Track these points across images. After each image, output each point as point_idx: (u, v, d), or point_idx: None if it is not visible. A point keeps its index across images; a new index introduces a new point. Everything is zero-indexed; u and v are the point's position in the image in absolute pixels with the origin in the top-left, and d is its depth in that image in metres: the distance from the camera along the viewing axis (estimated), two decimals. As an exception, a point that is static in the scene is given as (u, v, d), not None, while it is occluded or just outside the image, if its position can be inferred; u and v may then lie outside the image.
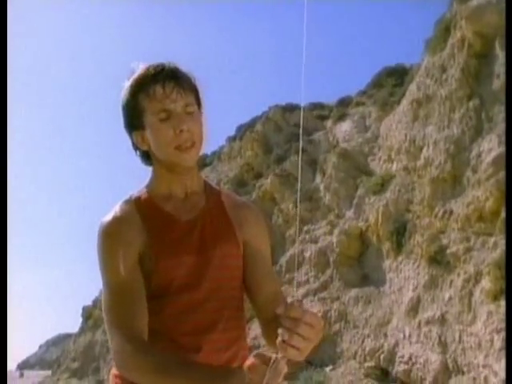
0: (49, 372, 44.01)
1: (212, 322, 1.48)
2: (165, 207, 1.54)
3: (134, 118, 1.51)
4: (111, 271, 1.46)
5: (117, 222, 1.50)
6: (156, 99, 1.46)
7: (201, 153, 1.58)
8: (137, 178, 1.65)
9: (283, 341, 1.08)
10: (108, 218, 1.52)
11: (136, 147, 1.58)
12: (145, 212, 1.53)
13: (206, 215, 1.56)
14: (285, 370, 1.13)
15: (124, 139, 1.61)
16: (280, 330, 1.08)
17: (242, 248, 1.57)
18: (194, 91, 1.54)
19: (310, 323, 1.07)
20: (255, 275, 1.53)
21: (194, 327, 1.46)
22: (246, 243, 1.57)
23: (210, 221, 1.56)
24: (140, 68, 1.51)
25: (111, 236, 1.48)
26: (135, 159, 1.62)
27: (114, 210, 1.53)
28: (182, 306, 1.47)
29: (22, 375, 55.30)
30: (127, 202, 1.55)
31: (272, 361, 1.12)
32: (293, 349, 1.07)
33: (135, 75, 1.51)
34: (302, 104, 1.40)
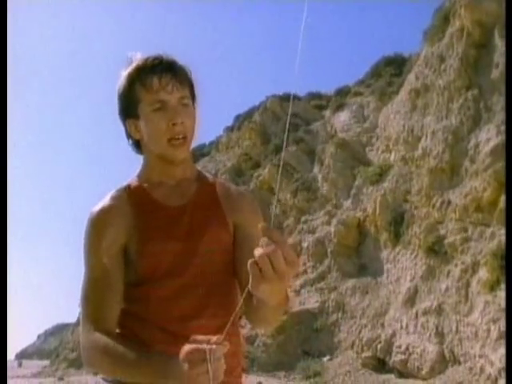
0: (47, 362, 44.17)
1: (199, 308, 1.46)
2: (154, 193, 1.54)
3: (129, 106, 1.52)
4: (92, 262, 1.48)
5: (103, 212, 1.50)
6: (152, 90, 1.47)
7: (192, 145, 1.57)
8: (132, 172, 1.68)
9: (254, 262, 1.05)
10: (96, 208, 1.52)
11: (129, 135, 1.58)
12: (134, 198, 1.53)
13: (196, 202, 1.56)
14: (222, 356, 1.15)
15: (120, 135, 1.64)
16: (256, 250, 1.05)
17: (233, 232, 1.56)
18: (190, 85, 1.55)
19: (285, 256, 1.03)
20: (242, 257, 1.49)
21: (180, 313, 1.45)
22: (237, 227, 1.56)
23: (199, 207, 1.55)
24: (138, 58, 1.52)
25: (96, 227, 1.48)
26: (131, 154, 1.64)
27: (103, 200, 1.53)
28: (168, 291, 1.46)
29: (20, 365, 55.48)
30: (118, 190, 1.56)
31: (208, 352, 1.12)
32: (258, 270, 1.04)
33: (133, 65, 1.51)
34: (292, 93, 1.38)
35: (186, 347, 1.18)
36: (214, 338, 1.16)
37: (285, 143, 1.31)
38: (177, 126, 1.47)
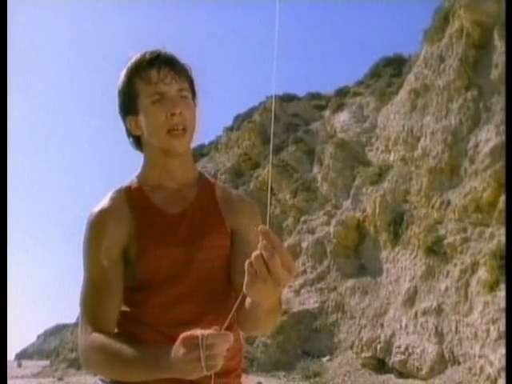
0: (47, 362, 44.12)
1: (198, 315, 1.45)
2: (154, 198, 1.53)
3: (128, 102, 1.52)
4: (91, 264, 1.46)
5: (103, 214, 1.49)
6: (150, 83, 1.47)
7: (194, 142, 1.57)
8: (132, 171, 1.68)
9: (250, 262, 1.06)
10: (96, 209, 1.51)
11: (129, 133, 1.58)
12: (134, 202, 1.52)
13: (195, 207, 1.55)
14: (219, 344, 1.13)
15: (122, 134, 1.61)
16: (254, 253, 1.05)
17: (231, 238, 1.55)
18: (189, 80, 1.54)
19: (283, 262, 1.04)
20: (238, 263, 1.46)
21: (179, 319, 1.43)
22: (235, 232, 1.55)
23: (199, 213, 1.54)
24: (137, 54, 1.53)
25: (96, 229, 1.48)
26: (133, 153, 1.62)
27: (103, 201, 1.52)
28: (167, 297, 1.45)
29: (20, 365, 55.33)
30: (118, 191, 1.54)
31: (200, 338, 1.13)
32: (253, 271, 1.06)
33: (132, 60, 1.52)
34: (274, 94, 1.38)
35: (182, 334, 1.19)
36: (210, 330, 1.16)
37: (271, 145, 1.32)
38: (175, 116, 1.46)
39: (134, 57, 1.52)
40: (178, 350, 1.18)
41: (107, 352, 1.35)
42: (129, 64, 1.52)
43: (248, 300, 1.30)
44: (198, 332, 1.15)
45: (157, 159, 1.54)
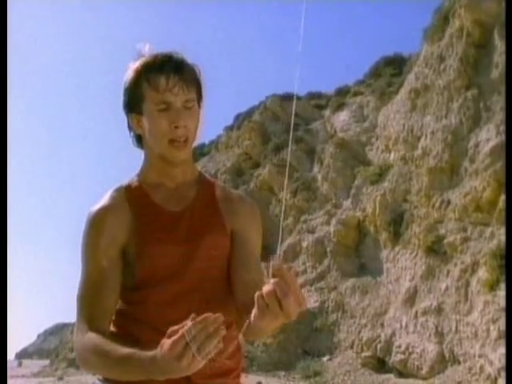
0: (47, 361, 44.12)
1: (197, 314, 1.45)
2: (154, 196, 1.54)
3: (133, 102, 1.51)
4: (89, 262, 1.46)
5: (102, 212, 1.49)
6: (158, 91, 1.45)
7: (194, 145, 1.57)
8: (132, 172, 1.65)
9: (261, 295, 1.06)
10: (95, 207, 1.51)
11: (130, 128, 1.57)
12: (134, 200, 1.53)
13: (195, 206, 1.55)
14: (202, 330, 1.09)
15: (122, 134, 1.60)
16: (265, 287, 1.06)
17: (230, 237, 1.55)
18: (197, 85, 1.53)
19: (295, 297, 1.05)
20: (237, 263, 1.50)
21: (177, 318, 1.36)
22: (235, 232, 1.55)
23: (198, 212, 1.55)
24: (147, 51, 1.50)
25: (95, 227, 1.48)
26: (133, 153, 1.62)
27: (103, 199, 1.52)
28: (166, 296, 1.45)
29: (20, 364, 55.31)
30: (117, 189, 1.55)
31: (186, 335, 1.08)
32: (264, 304, 1.06)
33: (141, 61, 1.49)
34: (295, 94, 1.38)
35: (165, 345, 1.13)
36: (188, 322, 1.12)
37: (290, 147, 1.31)
38: (179, 128, 1.45)
39: (144, 58, 1.49)
40: (172, 359, 1.13)
41: (100, 353, 1.34)
42: (138, 64, 1.49)
43: (252, 318, 1.25)
44: (180, 332, 1.11)
45: (156, 164, 1.55)
